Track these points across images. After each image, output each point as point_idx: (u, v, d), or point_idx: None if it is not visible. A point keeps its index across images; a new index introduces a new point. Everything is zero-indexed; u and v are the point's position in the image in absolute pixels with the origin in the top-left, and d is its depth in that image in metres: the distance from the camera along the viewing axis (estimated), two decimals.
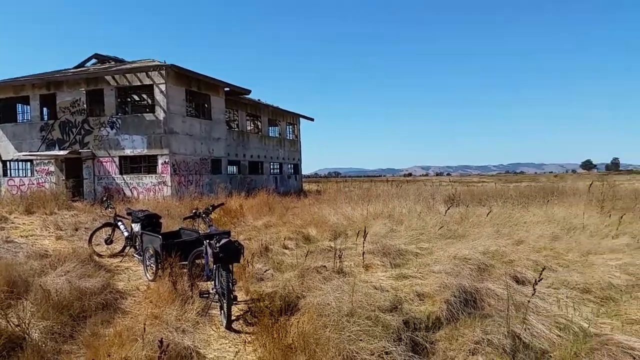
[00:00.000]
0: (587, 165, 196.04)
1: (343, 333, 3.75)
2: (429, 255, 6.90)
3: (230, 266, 4.91)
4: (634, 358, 3.20)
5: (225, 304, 4.71)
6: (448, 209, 10.14)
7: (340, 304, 4.46)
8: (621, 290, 4.95)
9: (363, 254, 6.65)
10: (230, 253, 4.82)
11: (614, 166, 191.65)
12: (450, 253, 6.60)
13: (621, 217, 8.90)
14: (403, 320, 4.10)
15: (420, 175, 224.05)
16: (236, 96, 27.57)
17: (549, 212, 10.67)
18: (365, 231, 6.65)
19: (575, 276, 5.42)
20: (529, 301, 3.86)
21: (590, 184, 13.08)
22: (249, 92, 27.11)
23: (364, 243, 6.63)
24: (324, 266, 6.38)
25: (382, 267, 6.53)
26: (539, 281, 3.66)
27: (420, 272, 5.78)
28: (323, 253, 7.44)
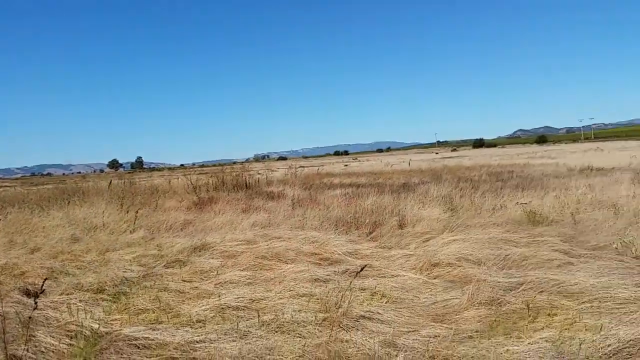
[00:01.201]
0: (114, 164, 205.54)
1: None
2: None
3: None
4: (138, 347, 3.41)
5: None
6: None
7: None
8: (133, 283, 5.24)
9: None
10: None
11: (138, 164, 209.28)
12: None
13: (137, 212, 9.63)
14: None
15: None
16: None
17: (71, 214, 10.36)
18: None
19: (90, 277, 5.37)
20: (29, 317, 3.46)
21: (110, 183, 13.57)
22: None
23: None
24: None
25: None
26: (41, 293, 3.35)
27: None
28: None
